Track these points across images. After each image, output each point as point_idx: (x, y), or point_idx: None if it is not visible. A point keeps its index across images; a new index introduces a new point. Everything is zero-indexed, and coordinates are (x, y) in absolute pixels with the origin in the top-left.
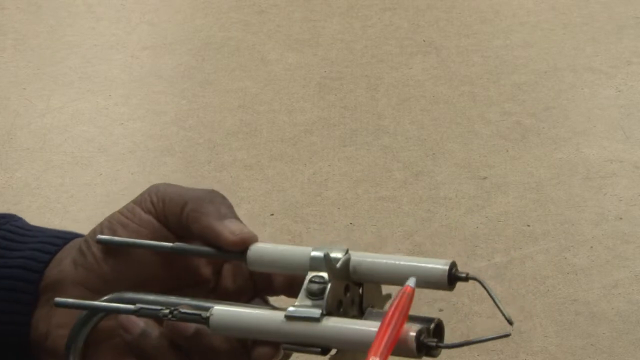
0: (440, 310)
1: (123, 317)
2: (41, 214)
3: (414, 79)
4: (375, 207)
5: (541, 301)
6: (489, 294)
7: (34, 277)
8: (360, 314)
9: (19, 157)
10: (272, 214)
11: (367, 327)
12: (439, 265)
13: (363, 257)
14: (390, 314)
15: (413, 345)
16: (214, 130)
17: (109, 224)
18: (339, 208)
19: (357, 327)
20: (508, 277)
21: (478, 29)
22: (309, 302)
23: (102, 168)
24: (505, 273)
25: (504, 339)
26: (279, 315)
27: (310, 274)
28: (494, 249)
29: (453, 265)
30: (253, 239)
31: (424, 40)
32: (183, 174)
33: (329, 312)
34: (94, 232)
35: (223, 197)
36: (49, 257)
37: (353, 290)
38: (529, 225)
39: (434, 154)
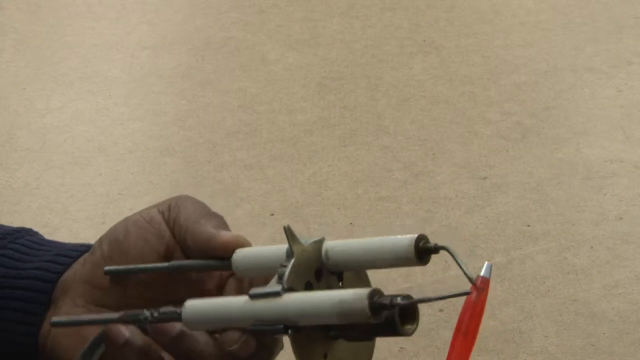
0: (440, 310)
1: (108, 327)
2: (41, 214)
3: (414, 79)
4: (375, 207)
5: (541, 301)
6: (455, 259)
7: (46, 288)
8: None
9: (19, 157)
10: (272, 214)
11: (329, 295)
12: (406, 238)
13: (336, 243)
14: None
15: (366, 303)
16: (214, 130)
17: (124, 223)
18: (339, 208)
19: (318, 296)
20: (508, 277)
21: (478, 29)
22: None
23: (102, 168)
24: (505, 273)
25: (505, 340)
26: (244, 298)
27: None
28: (494, 249)
29: (421, 237)
30: (245, 243)
31: (424, 40)
32: (183, 174)
33: (295, 290)
34: (110, 231)
35: (223, 220)
36: (62, 268)
37: (329, 278)
38: (529, 225)
39: (434, 154)
